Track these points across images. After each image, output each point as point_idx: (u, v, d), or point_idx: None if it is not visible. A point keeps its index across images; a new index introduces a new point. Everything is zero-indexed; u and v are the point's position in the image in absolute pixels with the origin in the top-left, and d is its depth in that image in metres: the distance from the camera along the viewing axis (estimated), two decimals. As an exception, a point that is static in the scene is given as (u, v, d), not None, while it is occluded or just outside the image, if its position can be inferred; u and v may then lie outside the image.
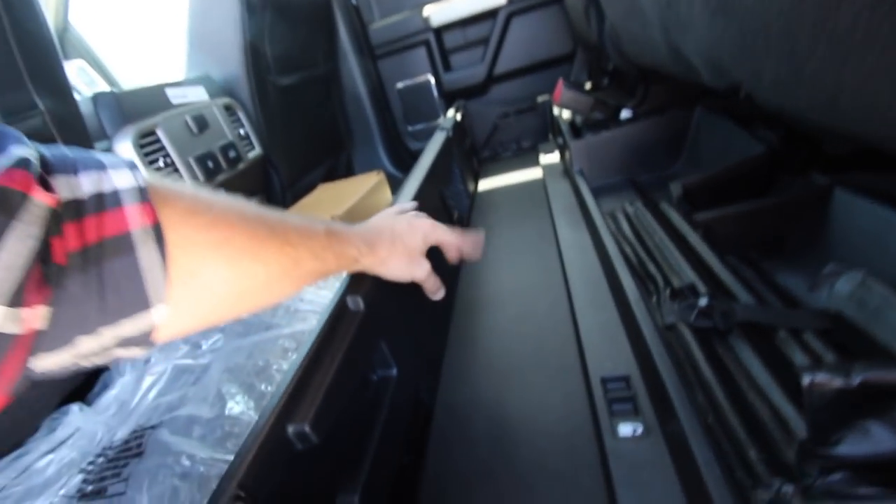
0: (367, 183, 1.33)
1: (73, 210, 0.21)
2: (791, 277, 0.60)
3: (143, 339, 0.25)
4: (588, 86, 1.54)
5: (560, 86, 1.09)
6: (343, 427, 0.45)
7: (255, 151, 1.22)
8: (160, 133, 0.93)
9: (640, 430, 0.49)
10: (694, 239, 0.73)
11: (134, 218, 0.23)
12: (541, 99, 1.65)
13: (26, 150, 0.21)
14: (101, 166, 0.24)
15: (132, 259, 0.23)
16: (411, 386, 0.61)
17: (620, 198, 1.00)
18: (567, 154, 1.15)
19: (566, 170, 1.21)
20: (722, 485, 0.37)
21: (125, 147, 0.86)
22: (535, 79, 1.75)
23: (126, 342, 0.24)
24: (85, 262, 0.21)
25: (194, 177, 0.98)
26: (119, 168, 0.25)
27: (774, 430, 0.41)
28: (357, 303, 0.52)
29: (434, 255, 0.72)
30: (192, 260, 0.27)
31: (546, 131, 1.70)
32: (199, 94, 1.10)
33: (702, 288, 0.61)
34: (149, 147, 0.91)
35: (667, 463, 0.44)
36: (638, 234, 0.80)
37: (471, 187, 1.40)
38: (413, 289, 0.71)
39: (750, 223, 0.59)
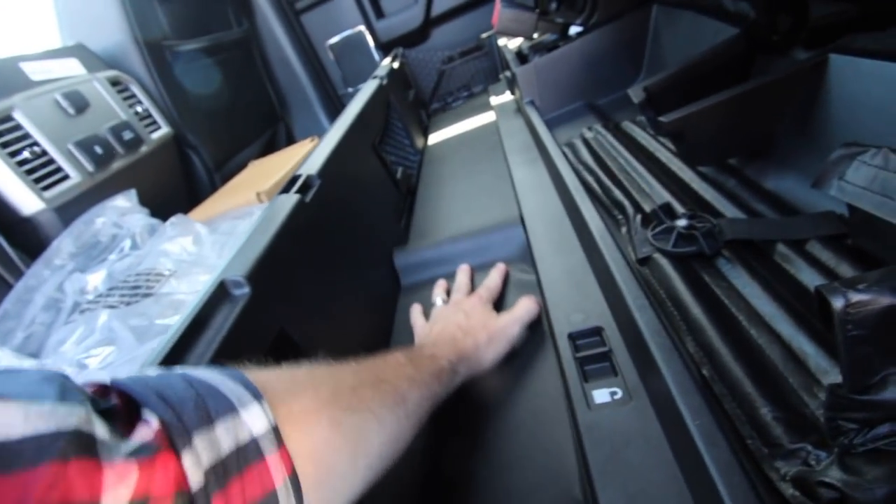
0: (300, 151, 1.18)
1: (218, 476, 0.18)
2: (784, 180, 0.49)
3: None
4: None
5: (498, 5, 0.94)
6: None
7: (162, 131, 1.06)
8: (19, 117, 0.76)
9: (619, 393, 0.38)
10: (665, 155, 0.61)
11: (276, 471, 0.20)
12: (485, 35, 1.48)
13: (150, 416, 0.17)
14: (231, 407, 0.20)
15: None
16: (343, 377, 0.50)
17: (580, 125, 0.87)
18: (516, 87, 1.01)
19: (518, 105, 1.07)
20: (729, 459, 0.27)
21: (-30, 138, 0.70)
22: (477, 15, 1.58)
23: None
24: None
25: (78, 166, 0.83)
26: (248, 404, 0.21)
27: (790, 376, 0.31)
28: (239, 285, 0.40)
29: (369, 211, 0.60)
30: (319, 468, 0.23)
31: (497, 71, 1.54)
32: (71, 68, 0.92)
33: (680, 208, 0.50)
34: (7, 136, 0.74)
35: (657, 434, 0.34)
36: (600, 159, 0.68)
37: (420, 142, 1.26)
38: (335, 259, 0.58)
39: (727, 119, 0.48)
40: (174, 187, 1.10)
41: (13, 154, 0.74)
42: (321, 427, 0.24)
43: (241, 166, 1.33)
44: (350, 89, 1.72)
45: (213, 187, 1.20)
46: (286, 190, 0.55)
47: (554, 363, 0.46)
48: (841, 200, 0.37)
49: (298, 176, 0.58)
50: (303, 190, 0.56)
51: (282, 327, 0.42)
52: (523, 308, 0.48)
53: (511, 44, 1.23)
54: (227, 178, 1.24)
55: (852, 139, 0.40)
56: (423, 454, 0.43)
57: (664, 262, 0.44)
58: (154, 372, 0.21)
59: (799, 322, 0.34)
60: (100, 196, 0.85)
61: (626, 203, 0.55)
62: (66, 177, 0.81)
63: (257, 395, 0.22)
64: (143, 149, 0.98)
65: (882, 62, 0.38)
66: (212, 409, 0.19)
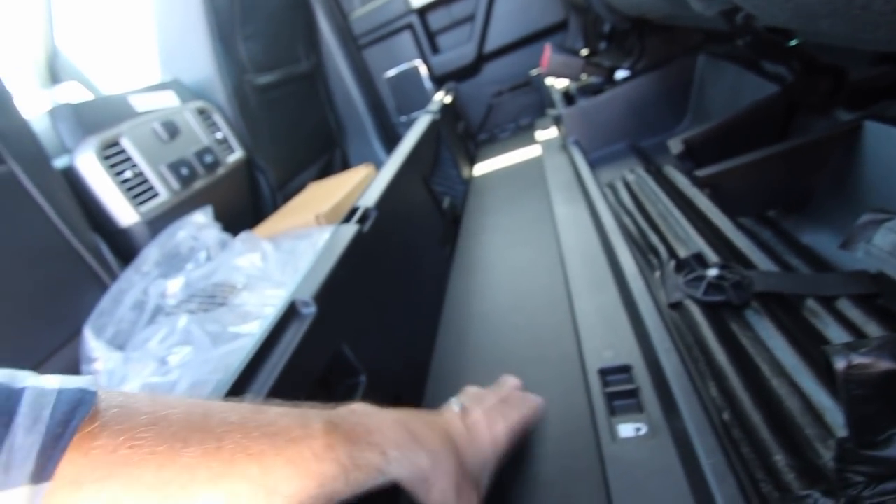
0: (355, 177, 1.27)
1: None
2: (820, 236, 0.51)
3: None
4: (584, 52, 1.44)
5: (547, 51, 1.00)
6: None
7: (236, 155, 1.18)
8: (125, 142, 0.89)
9: (644, 429, 0.41)
10: (704, 203, 0.64)
11: None
12: (534, 72, 1.55)
13: None
14: None
15: None
16: (388, 391, 0.55)
17: (622, 166, 0.91)
18: (562, 126, 1.06)
19: (563, 143, 1.12)
20: (736, 495, 0.29)
21: (88, 158, 0.82)
22: (528, 53, 1.65)
23: None
24: None
25: (167, 185, 0.94)
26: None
27: (807, 427, 0.33)
28: (307, 305, 0.46)
29: (417, 240, 0.65)
30: None
31: (543, 106, 1.60)
32: (168, 100, 1.05)
33: (712, 257, 0.52)
34: (114, 158, 0.87)
35: (676, 471, 0.37)
36: (639, 202, 0.71)
37: (466, 172, 1.32)
38: (386, 283, 0.64)
39: (764, 175, 0.50)
40: (243, 205, 1.21)
41: (118, 174, 0.86)
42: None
43: (301, 187, 1.44)
44: (403, 118, 1.83)
45: (275, 205, 1.31)
46: (347, 220, 0.62)
47: (581, 395, 0.49)
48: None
49: (357, 207, 0.64)
50: (361, 220, 0.62)
51: (340, 345, 0.48)
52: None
53: (558, 83, 1.29)
54: (288, 197, 1.35)
55: (882, 204, 0.42)
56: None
57: (694, 309, 0.47)
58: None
59: (820, 376, 0.36)
60: (182, 211, 0.96)
61: (661, 248, 0.57)
62: (156, 194, 0.92)
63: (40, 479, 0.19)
64: (220, 170, 1.10)
65: (915, 133, 0.40)
66: None
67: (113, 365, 0.69)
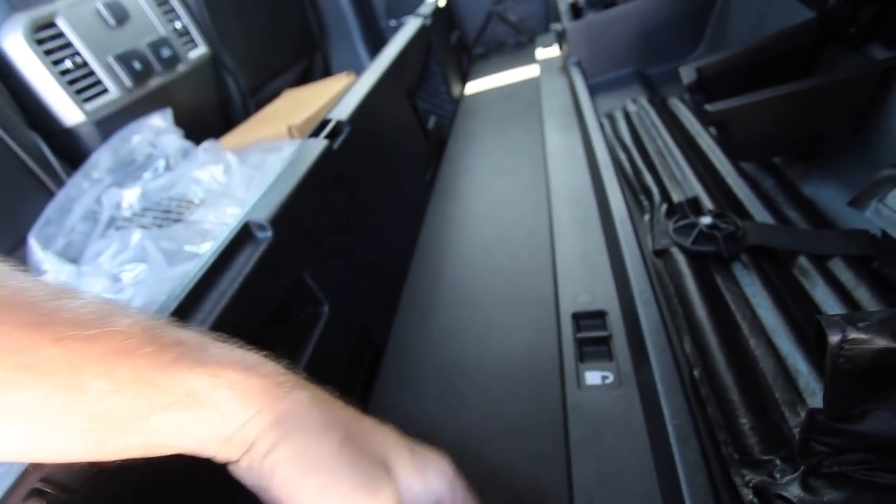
0: (335, 86, 1.16)
1: None
2: (825, 189, 0.47)
3: None
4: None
5: (557, -50, 0.87)
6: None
7: (200, 50, 1.05)
8: (63, 24, 0.77)
9: (610, 378, 0.40)
10: (706, 142, 0.59)
11: None
12: (542, -23, 1.38)
13: None
14: None
15: None
16: (352, 323, 0.53)
17: (625, 95, 0.83)
18: (565, 43, 0.96)
19: (564, 64, 1.02)
20: (697, 461, 0.28)
21: (16, 41, 0.71)
22: (537, -47, 1.46)
23: None
24: None
25: (117, 80, 0.84)
26: None
27: (778, 391, 0.32)
28: (262, 228, 0.42)
29: (396, 162, 0.60)
30: None
31: (547, 21, 1.45)
32: (113, -24, 0.90)
33: (707, 203, 0.48)
34: (50, 42, 0.75)
35: (639, 423, 0.36)
36: (637, 137, 0.66)
37: (456, 90, 1.22)
38: (357, 208, 0.59)
39: (781, 117, 0.45)
40: (209, 109, 1.11)
41: (56, 63, 0.75)
42: None
43: (276, 93, 1.32)
44: (392, 22, 1.65)
45: (247, 113, 1.20)
46: (315, 134, 0.55)
47: (552, 339, 0.47)
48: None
49: (328, 120, 0.58)
50: (332, 135, 0.56)
51: (300, 273, 0.44)
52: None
53: (567, -7, 1.15)
54: (261, 104, 1.24)
55: (906, 159, 0.38)
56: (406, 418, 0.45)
57: (680, 258, 0.44)
58: None
59: (799, 339, 0.34)
60: (136, 113, 0.87)
61: (655, 190, 0.53)
62: (105, 90, 0.82)
63: None
64: (181, 67, 0.98)
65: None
66: None
67: (65, 277, 0.65)
